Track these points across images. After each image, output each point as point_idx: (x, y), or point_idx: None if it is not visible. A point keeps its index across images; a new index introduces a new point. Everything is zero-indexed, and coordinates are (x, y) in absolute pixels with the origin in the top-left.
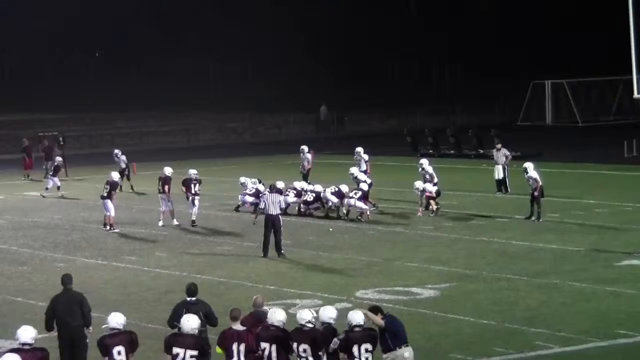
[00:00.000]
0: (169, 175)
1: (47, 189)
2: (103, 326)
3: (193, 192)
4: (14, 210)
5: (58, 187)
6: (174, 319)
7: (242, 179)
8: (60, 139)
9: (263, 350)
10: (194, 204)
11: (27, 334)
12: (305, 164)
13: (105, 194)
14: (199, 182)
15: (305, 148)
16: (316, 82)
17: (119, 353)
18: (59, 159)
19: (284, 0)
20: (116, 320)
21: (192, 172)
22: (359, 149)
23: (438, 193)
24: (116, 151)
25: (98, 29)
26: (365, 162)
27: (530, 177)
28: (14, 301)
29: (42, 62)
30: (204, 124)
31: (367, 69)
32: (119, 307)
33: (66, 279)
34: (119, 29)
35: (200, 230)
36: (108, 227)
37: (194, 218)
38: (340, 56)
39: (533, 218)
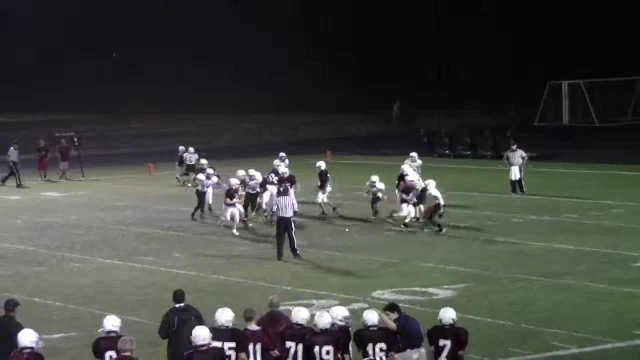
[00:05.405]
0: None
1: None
2: (99, 330)
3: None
4: (31, 211)
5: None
6: (168, 327)
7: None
8: (75, 139)
9: (288, 349)
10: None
11: (110, 322)
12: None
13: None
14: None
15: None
16: (331, 84)
17: (111, 358)
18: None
19: (298, 2)
20: (111, 323)
21: (234, 181)
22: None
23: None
24: (181, 148)
25: (115, 30)
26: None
27: (430, 195)
28: (31, 301)
29: (59, 63)
30: (221, 124)
31: (381, 70)
32: (136, 308)
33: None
34: (135, 30)
35: (216, 231)
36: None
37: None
38: (355, 57)
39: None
